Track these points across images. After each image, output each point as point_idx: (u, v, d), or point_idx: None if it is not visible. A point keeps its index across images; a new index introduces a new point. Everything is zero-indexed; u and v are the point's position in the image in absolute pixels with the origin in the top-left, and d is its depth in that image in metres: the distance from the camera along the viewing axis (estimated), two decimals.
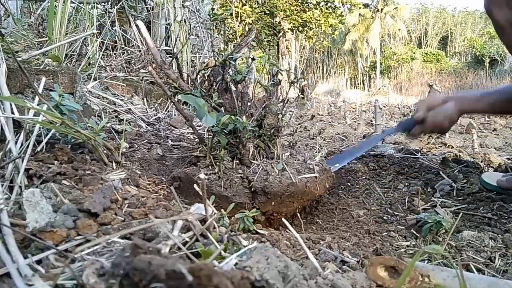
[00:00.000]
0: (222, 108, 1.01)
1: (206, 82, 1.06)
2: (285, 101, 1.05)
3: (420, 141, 2.20)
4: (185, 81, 1.03)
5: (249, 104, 1.02)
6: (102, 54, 2.23)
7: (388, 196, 1.33)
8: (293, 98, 1.07)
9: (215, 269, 0.36)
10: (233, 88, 1.00)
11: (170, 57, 2.52)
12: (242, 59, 1.09)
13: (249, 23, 8.97)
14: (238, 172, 0.97)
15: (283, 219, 0.71)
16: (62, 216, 0.60)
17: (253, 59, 1.06)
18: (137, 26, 1.02)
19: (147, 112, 1.85)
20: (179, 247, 0.54)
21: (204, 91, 1.04)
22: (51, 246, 0.53)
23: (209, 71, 1.06)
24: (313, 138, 2.45)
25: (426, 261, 0.79)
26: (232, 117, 0.90)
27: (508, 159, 1.81)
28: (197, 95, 0.95)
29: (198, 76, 1.05)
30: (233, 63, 1.00)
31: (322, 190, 1.04)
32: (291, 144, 1.19)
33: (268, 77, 1.07)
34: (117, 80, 2.00)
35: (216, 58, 1.00)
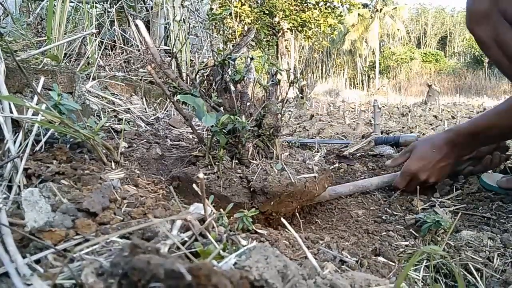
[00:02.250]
0: (221, 108, 1.01)
1: (206, 82, 1.06)
2: (284, 101, 1.05)
3: None
4: (184, 81, 1.03)
5: (248, 104, 1.02)
6: (101, 54, 2.23)
7: (387, 196, 1.33)
8: (292, 98, 1.07)
9: (214, 268, 0.36)
10: (232, 88, 1.00)
11: (169, 56, 2.52)
12: (242, 59, 1.09)
13: (248, 23, 8.96)
14: (237, 172, 0.96)
15: (282, 219, 0.71)
16: (61, 215, 0.60)
17: (252, 58, 1.06)
18: (136, 25, 1.02)
19: (146, 112, 1.85)
20: (178, 246, 0.54)
21: (204, 90, 1.04)
22: (50, 245, 0.53)
23: (208, 71, 1.05)
24: (312, 138, 2.45)
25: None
26: (232, 117, 0.90)
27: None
28: (196, 94, 0.95)
29: (197, 76, 1.05)
30: (232, 62, 0.99)
31: (321, 190, 1.04)
32: (290, 144, 1.19)
33: (267, 77, 1.07)
34: (116, 79, 1.99)
35: (215, 58, 1.00)
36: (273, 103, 1.03)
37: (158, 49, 2.62)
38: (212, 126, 0.90)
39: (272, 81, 1.05)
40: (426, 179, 1.21)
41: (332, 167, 1.20)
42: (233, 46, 1.04)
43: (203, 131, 1.52)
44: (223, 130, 0.92)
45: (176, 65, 1.08)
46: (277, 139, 1.03)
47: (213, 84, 1.04)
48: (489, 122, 1.16)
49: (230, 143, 0.97)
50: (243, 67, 1.03)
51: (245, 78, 1.00)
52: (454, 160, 1.23)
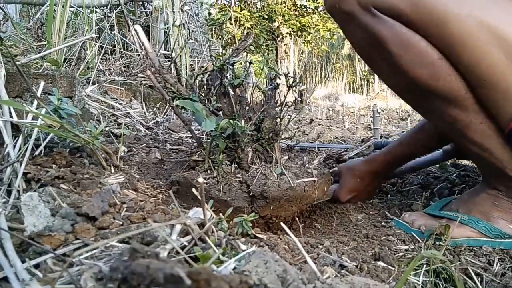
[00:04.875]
0: (221, 112, 1.01)
1: (205, 87, 1.06)
2: (283, 105, 1.05)
3: None
4: (184, 86, 1.03)
5: (247, 108, 1.02)
6: (101, 58, 2.23)
7: (387, 200, 1.33)
8: (291, 101, 1.07)
9: (213, 273, 0.36)
10: (231, 92, 1.00)
11: (169, 61, 2.53)
12: (241, 63, 1.09)
13: (248, 27, 8.99)
14: (236, 176, 0.96)
15: (282, 223, 0.71)
16: (60, 220, 0.60)
17: (250, 63, 1.06)
18: (135, 30, 1.02)
19: (146, 116, 1.85)
20: (178, 251, 0.53)
21: (203, 95, 1.04)
22: (49, 250, 0.53)
23: (207, 75, 1.06)
24: (312, 142, 2.46)
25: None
26: (231, 121, 0.90)
27: None
28: (195, 99, 0.95)
29: (196, 81, 1.05)
30: (231, 67, 1.00)
31: (320, 194, 1.04)
32: (290, 148, 1.18)
33: (266, 81, 1.07)
34: (115, 84, 2.00)
35: (213, 63, 1.00)
36: (272, 107, 1.03)
37: (157, 54, 2.63)
38: (212, 130, 0.90)
39: (271, 85, 1.05)
40: (360, 201, 1.33)
41: (331, 170, 1.20)
42: (232, 51, 1.04)
43: (203, 135, 1.52)
44: (222, 134, 0.92)
45: (175, 70, 1.08)
46: (276, 143, 1.03)
47: (212, 88, 1.04)
48: (402, 148, 1.27)
49: (230, 148, 0.97)
50: (242, 71, 1.04)
51: (244, 83, 1.01)
52: (378, 183, 1.37)
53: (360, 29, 0.86)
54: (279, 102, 1.06)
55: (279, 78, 1.05)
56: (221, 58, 0.99)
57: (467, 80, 0.81)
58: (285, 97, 1.06)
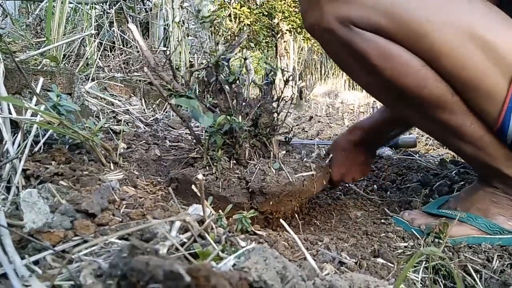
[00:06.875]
0: (217, 109, 1.01)
1: (201, 83, 1.05)
2: (280, 100, 1.05)
3: (418, 143, 2.20)
4: (180, 83, 1.03)
5: (243, 103, 1.02)
6: (100, 55, 2.23)
7: (386, 197, 1.33)
8: (287, 96, 1.06)
9: (213, 269, 0.36)
10: (227, 88, 1.00)
11: (169, 59, 2.52)
12: (240, 61, 1.09)
13: (247, 24, 8.96)
14: (235, 172, 0.96)
15: (281, 221, 0.71)
16: (60, 216, 0.60)
17: (245, 58, 1.06)
18: (130, 29, 1.02)
19: (145, 113, 1.85)
20: (177, 248, 0.53)
21: (199, 91, 1.03)
22: (48, 246, 0.53)
23: (204, 72, 1.05)
24: (311, 139, 2.46)
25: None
26: (228, 117, 0.90)
27: None
28: (191, 96, 0.95)
29: (192, 77, 1.05)
30: (226, 63, 0.99)
31: (319, 187, 1.04)
32: (287, 140, 1.17)
33: (262, 77, 1.06)
34: (115, 80, 1.99)
35: (207, 59, 1.00)
36: (269, 102, 1.03)
37: (157, 51, 2.63)
38: (209, 127, 0.90)
39: (267, 80, 1.05)
40: (354, 179, 1.30)
41: (327, 160, 1.18)
42: (225, 46, 1.03)
43: (202, 132, 1.52)
44: (219, 130, 0.92)
45: (170, 67, 1.07)
46: (273, 138, 1.03)
47: (208, 85, 1.04)
48: (382, 113, 1.27)
49: (228, 144, 0.97)
50: (237, 67, 1.03)
51: (239, 78, 1.00)
52: (369, 153, 1.32)
53: (342, 46, 0.86)
54: (275, 97, 1.06)
55: (275, 73, 1.05)
56: (215, 54, 0.98)
57: (451, 84, 0.82)
58: (282, 92, 1.05)
